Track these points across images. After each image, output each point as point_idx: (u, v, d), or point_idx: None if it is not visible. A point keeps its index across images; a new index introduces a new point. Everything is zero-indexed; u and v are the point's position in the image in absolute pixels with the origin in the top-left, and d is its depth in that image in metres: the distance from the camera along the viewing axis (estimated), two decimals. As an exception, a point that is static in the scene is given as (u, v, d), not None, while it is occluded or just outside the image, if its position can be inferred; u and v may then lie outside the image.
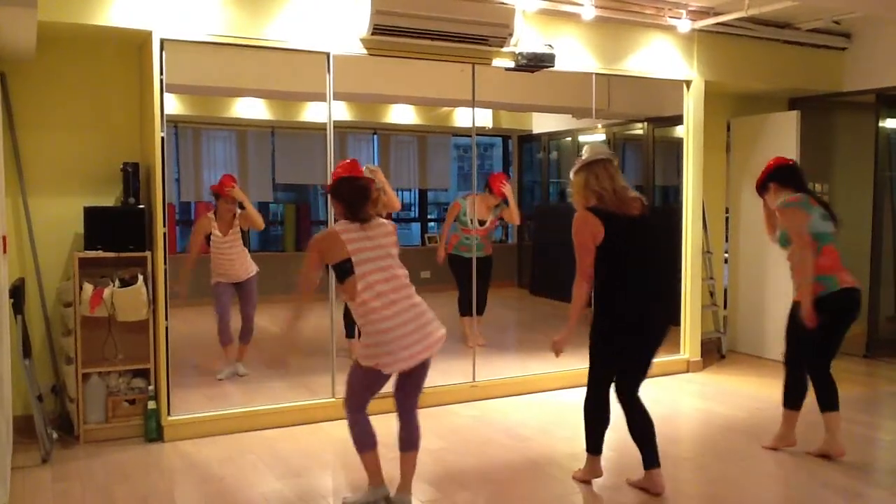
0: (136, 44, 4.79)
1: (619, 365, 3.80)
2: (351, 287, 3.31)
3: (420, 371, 3.45)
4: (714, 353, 7.01)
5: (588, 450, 3.93)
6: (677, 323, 6.36)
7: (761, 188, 4.45)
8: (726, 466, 4.25)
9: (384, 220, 3.49)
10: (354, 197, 3.40)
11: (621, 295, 3.67)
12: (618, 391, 3.82)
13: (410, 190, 8.78)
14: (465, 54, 5.31)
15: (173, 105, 5.58)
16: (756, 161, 6.90)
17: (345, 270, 3.32)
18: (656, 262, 3.84)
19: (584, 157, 3.76)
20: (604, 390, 3.83)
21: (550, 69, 5.51)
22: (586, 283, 3.67)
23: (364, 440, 3.50)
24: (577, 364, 5.97)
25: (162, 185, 4.52)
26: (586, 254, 3.64)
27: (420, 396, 3.57)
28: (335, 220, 3.53)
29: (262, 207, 8.89)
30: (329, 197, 3.46)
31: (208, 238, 5.64)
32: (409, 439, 3.54)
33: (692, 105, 6.25)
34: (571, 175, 3.78)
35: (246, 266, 5.73)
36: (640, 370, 3.81)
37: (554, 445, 4.60)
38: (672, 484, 3.90)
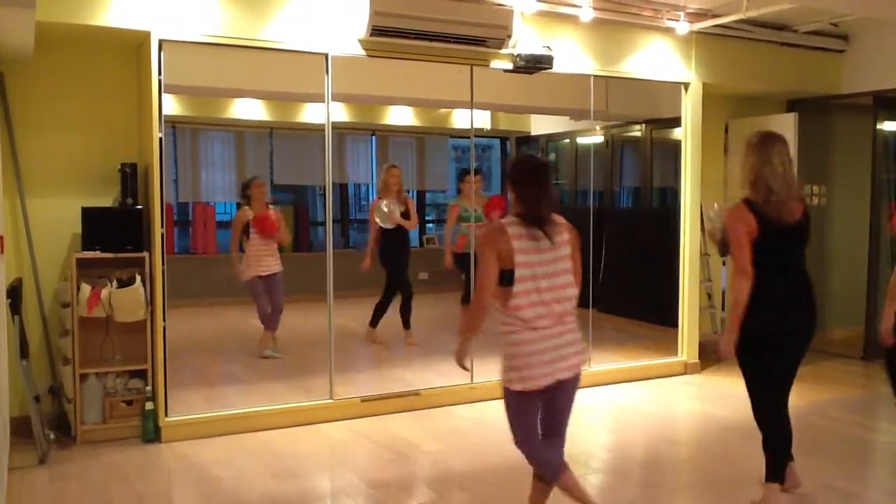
0: (134, 44, 4.79)
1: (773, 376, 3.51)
2: (503, 293, 2.95)
3: (560, 397, 3.07)
4: (712, 355, 7.00)
5: (767, 477, 3.54)
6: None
7: None
8: (724, 468, 4.25)
9: (563, 222, 3.03)
10: (533, 179, 2.86)
11: (761, 303, 3.38)
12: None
13: (409, 191, 8.79)
14: (463, 56, 5.31)
15: (171, 106, 5.59)
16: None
17: (503, 279, 2.93)
18: (799, 267, 3.51)
19: (758, 132, 3.47)
20: (773, 406, 3.54)
21: (548, 71, 5.52)
22: (746, 279, 3.36)
23: (542, 469, 3.16)
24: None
25: (160, 186, 4.52)
26: (745, 246, 3.36)
27: (565, 430, 3.18)
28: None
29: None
30: (510, 187, 3.00)
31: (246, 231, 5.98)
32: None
33: (690, 107, 6.25)
34: (743, 152, 3.47)
35: (279, 261, 6.15)
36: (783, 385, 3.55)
37: (552, 447, 4.60)
38: (670, 485, 3.90)
